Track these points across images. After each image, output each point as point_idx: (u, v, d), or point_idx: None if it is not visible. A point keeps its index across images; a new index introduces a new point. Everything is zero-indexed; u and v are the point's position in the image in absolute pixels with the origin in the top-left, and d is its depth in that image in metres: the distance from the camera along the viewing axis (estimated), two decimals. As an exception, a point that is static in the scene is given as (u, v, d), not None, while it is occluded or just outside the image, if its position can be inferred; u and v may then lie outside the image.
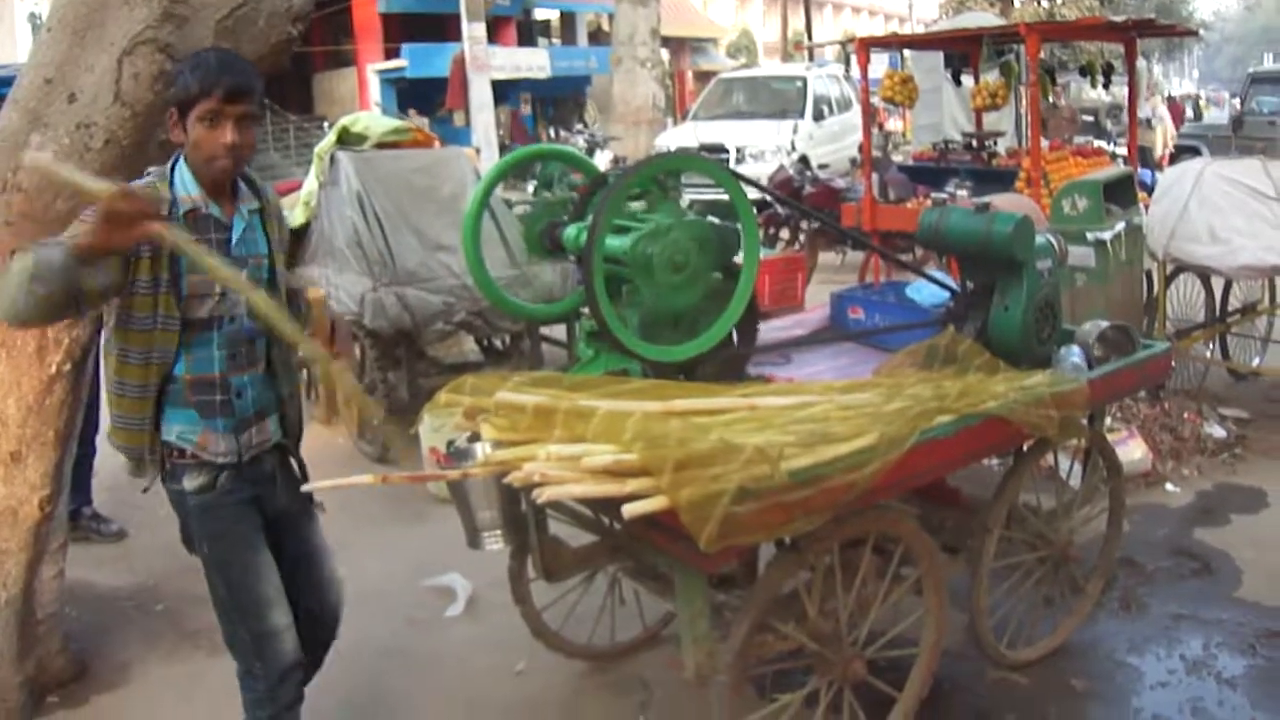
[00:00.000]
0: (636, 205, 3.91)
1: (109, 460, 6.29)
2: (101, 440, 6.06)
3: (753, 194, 4.20)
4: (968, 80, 10.77)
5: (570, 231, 3.91)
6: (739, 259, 3.82)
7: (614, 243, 3.58)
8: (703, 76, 35.75)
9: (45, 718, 4.39)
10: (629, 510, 2.78)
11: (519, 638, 4.52)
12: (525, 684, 4.49)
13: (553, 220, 4.05)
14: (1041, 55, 8.47)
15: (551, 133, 25.25)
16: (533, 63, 23.96)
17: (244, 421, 3.25)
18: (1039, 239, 4.11)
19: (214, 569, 3.28)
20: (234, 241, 3.18)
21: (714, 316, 3.73)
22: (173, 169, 3.13)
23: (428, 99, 21.11)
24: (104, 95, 3.83)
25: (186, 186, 3.10)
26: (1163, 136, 20.24)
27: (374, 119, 7.87)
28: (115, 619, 5.16)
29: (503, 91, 21.64)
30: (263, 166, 19.07)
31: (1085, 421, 4.21)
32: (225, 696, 4.41)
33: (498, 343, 7.66)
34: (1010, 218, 4.00)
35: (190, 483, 3.21)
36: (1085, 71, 10.45)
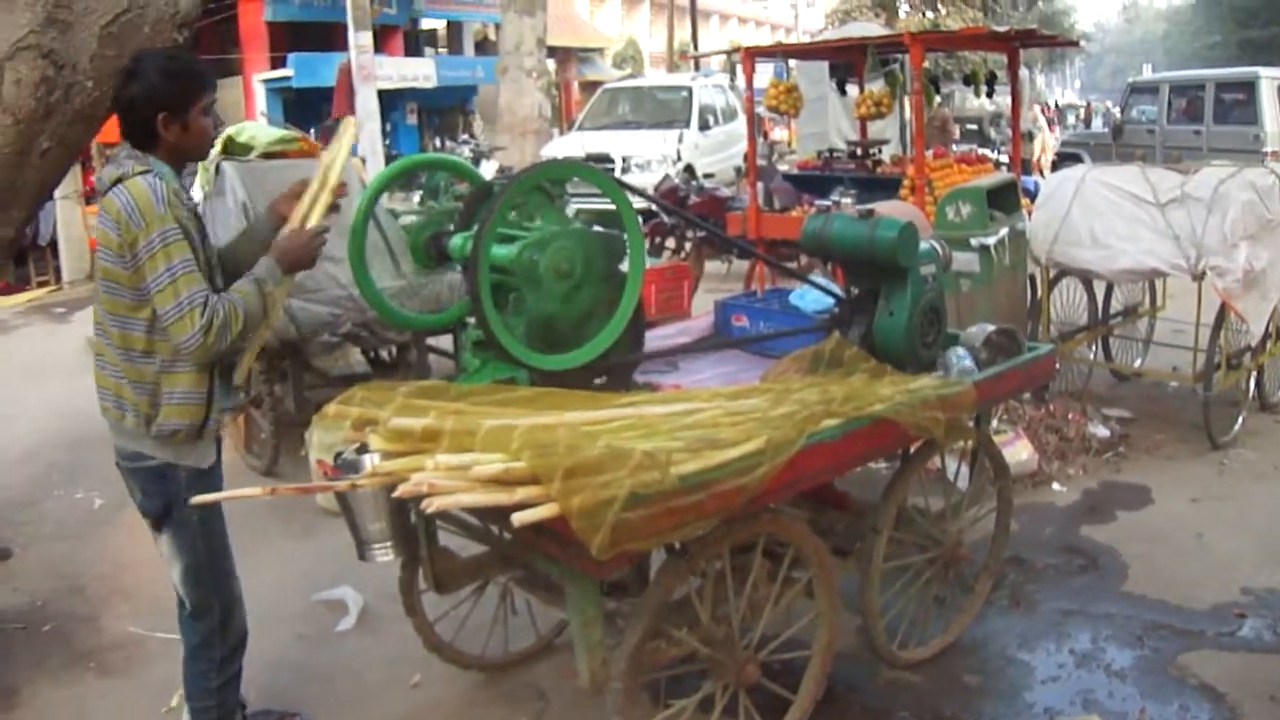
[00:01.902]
0: (521, 214, 3.89)
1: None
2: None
3: (639, 203, 4.21)
4: (853, 90, 10.89)
5: (456, 241, 3.88)
6: (624, 267, 3.82)
7: (499, 251, 3.56)
8: (589, 86, 35.70)
9: (-72, 747, 4.25)
10: (519, 518, 2.77)
11: (413, 650, 4.48)
12: (420, 696, 4.45)
13: (438, 230, 4.02)
14: (926, 65, 8.60)
15: (437, 143, 25.08)
16: (419, 72, 23.71)
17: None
18: (923, 245, 4.17)
19: (200, 537, 3.50)
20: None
21: (600, 325, 3.73)
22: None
23: (314, 109, 20.82)
24: None
25: (173, 181, 3.32)
26: (1041, 145, 20.71)
27: (259, 129, 7.76)
28: (1, 641, 5.02)
29: (389, 101, 21.43)
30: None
31: (972, 423, 4.28)
32: (116, 717, 4.37)
33: (384, 354, 7.58)
34: (894, 224, 4.05)
35: (203, 460, 3.45)
36: (969, 81, 10.62)
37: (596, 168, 3.76)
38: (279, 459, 6.80)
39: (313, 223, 3.54)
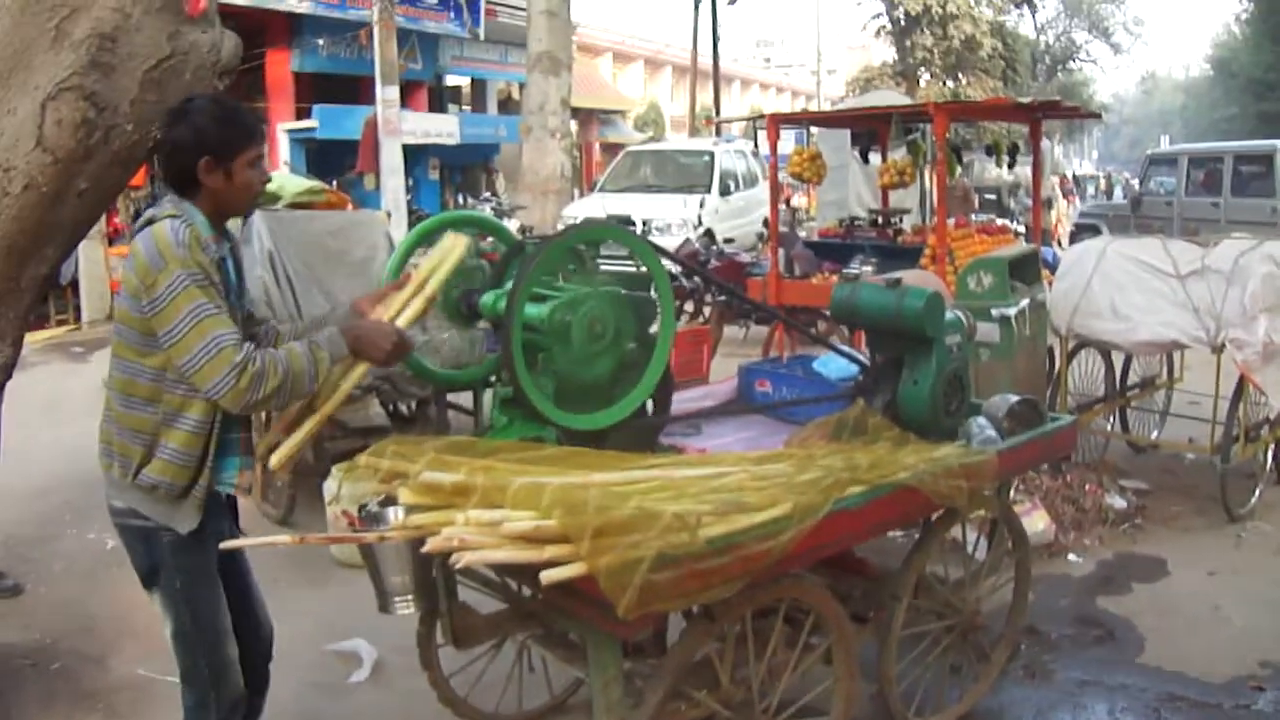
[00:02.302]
0: (552, 274, 3.93)
1: (7, 514, 6.18)
2: (0, 494, 5.94)
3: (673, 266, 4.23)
4: (875, 158, 10.95)
5: (488, 298, 3.91)
6: (653, 329, 3.85)
7: (531, 310, 3.59)
8: (610, 148, 35.98)
9: (-65, 786, 4.24)
10: (547, 577, 2.78)
11: (425, 704, 4.46)
12: (432, 752, 4.43)
13: (469, 287, 4.06)
14: (948, 134, 8.66)
15: (459, 199, 25.22)
16: (443, 129, 23.93)
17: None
18: (948, 315, 4.20)
19: (183, 602, 3.35)
20: (231, 279, 3.34)
21: (629, 385, 3.75)
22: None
23: (337, 160, 21.00)
24: (25, 140, 3.79)
25: (205, 229, 3.19)
26: (1058, 215, 20.77)
27: (288, 178, 7.85)
28: (10, 679, 5.03)
29: (412, 157, 21.58)
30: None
31: (992, 493, 4.28)
32: (123, 763, 4.35)
33: (404, 408, 7.60)
34: (922, 293, 4.08)
35: (184, 524, 3.27)
36: (991, 151, 10.69)
37: (631, 230, 3.79)
38: (294, 508, 6.81)
39: (400, 324, 3.47)
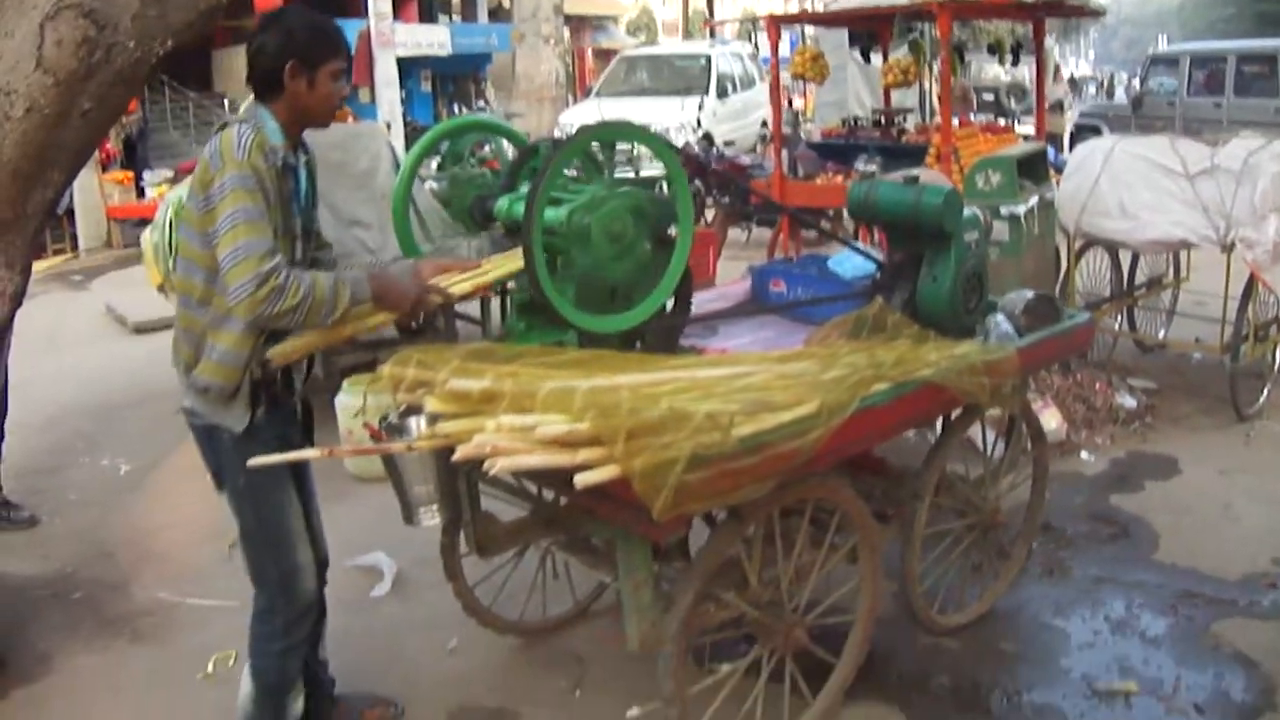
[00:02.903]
0: (566, 177, 3.88)
1: (14, 447, 6.16)
2: (9, 424, 5.93)
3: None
4: (876, 58, 10.83)
5: (502, 203, 3.87)
6: (672, 230, 3.81)
7: (548, 214, 3.54)
8: (602, 54, 35.60)
9: (-36, 715, 4.27)
10: (581, 480, 2.75)
11: (448, 615, 4.50)
12: (458, 661, 4.48)
13: (480, 193, 4.01)
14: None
15: (453, 109, 25.02)
16: (434, 39, 23.69)
17: None
18: (966, 211, 4.16)
19: (247, 501, 3.38)
20: (301, 191, 3.38)
21: (648, 287, 3.72)
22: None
23: (333, 75, 20.76)
24: (25, 62, 3.72)
25: (275, 136, 3.21)
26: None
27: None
28: (32, 609, 5.04)
29: (404, 69, 21.36)
30: (162, 145, 18.62)
31: (1013, 389, 4.27)
32: (151, 684, 4.41)
33: (411, 320, 7.55)
34: (940, 190, 4.04)
35: (237, 423, 3.27)
36: (994, 50, 10.56)
37: (649, 129, 3.73)
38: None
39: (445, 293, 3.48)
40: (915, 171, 4.45)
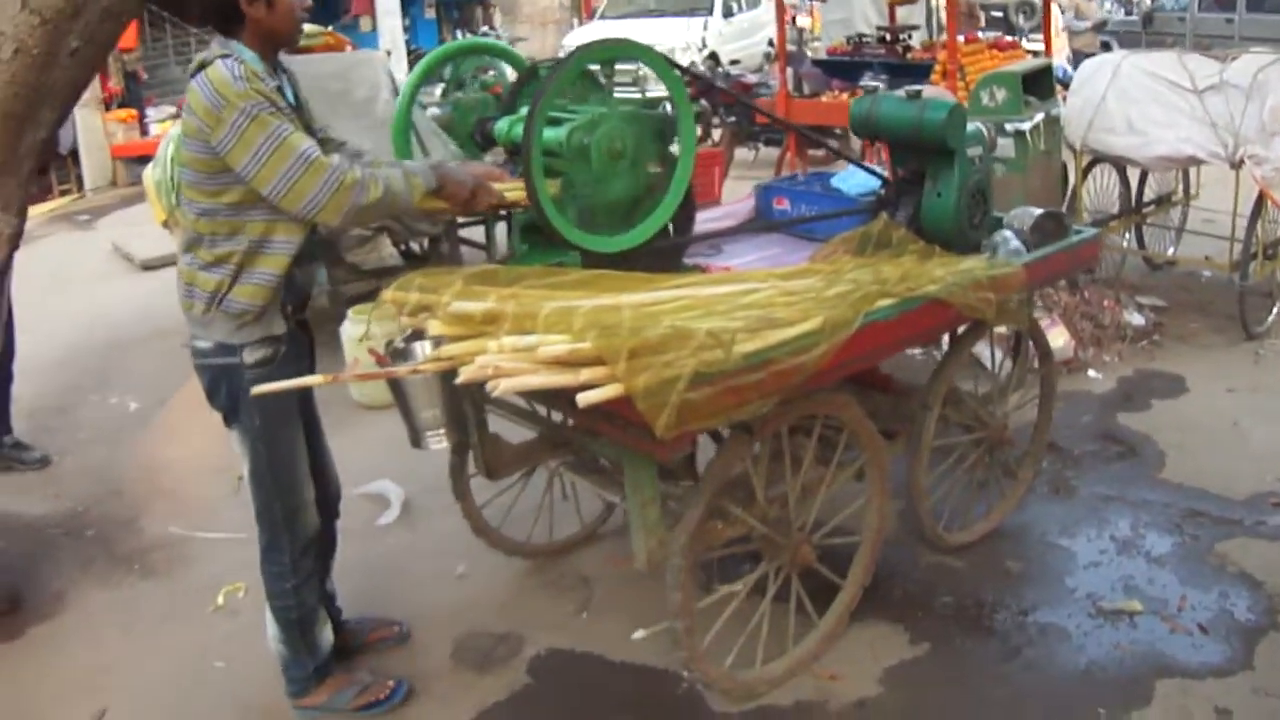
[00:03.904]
0: (567, 98, 3.84)
1: (22, 386, 6.17)
2: (19, 366, 5.94)
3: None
4: (884, -26, 10.70)
5: (502, 125, 3.83)
6: (673, 148, 3.77)
7: (549, 134, 3.51)
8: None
9: (-20, 653, 4.30)
10: (584, 399, 2.75)
11: (456, 542, 4.53)
12: (467, 587, 4.50)
13: (482, 116, 3.97)
14: (954, -53, 8.41)
15: (457, 35, 24.74)
16: (437, -35, 23.41)
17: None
18: (970, 126, 4.11)
19: (261, 441, 3.39)
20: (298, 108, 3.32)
21: (650, 206, 3.69)
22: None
23: (334, 6, 20.56)
24: (11, 3, 3.67)
25: (255, 64, 3.13)
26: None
27: (284, 24, 7.64)
28: (45, 548, 5.08)
29: (407, -5, 21.14)
30: (165, 81, 18.43)
31: (1020, 305, 4.25)
32: (163, 617, 4.44)
33: (416, 246, 7.54)
34: (943, 105, 4.00)
35: (252, 355, 3.29)
36: (997, -35, 10.45)
37: (647, 45, 3.67)
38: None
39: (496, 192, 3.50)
40: (919, 87, 4.40)
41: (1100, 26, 16.72)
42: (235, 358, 3.28)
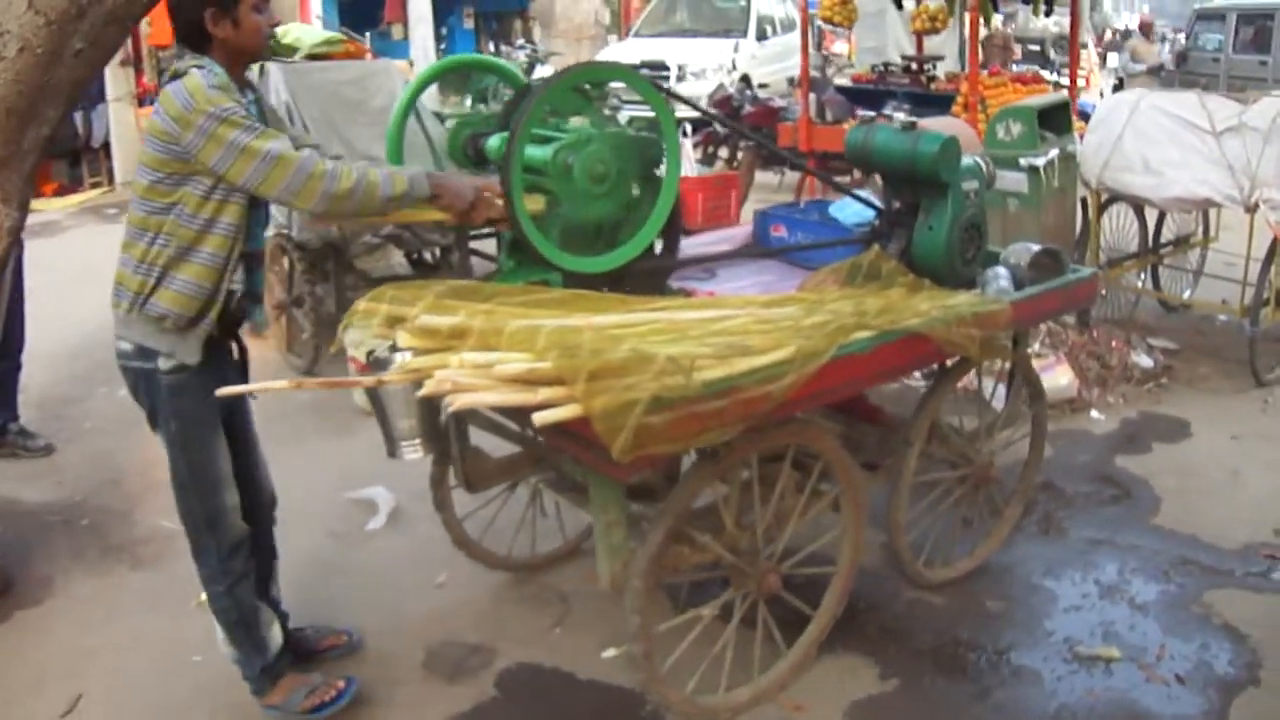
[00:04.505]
0: (561, 117, 3.86)
1: (35, 374, 6.24)
2: (28, 357, 6.00)
3: (694, 112, 4.12)
4: (909, 3, 10.71)
5: (493, 142, 3.85)
6: (660, 172, 3.78)
7: (535, 152, 3.53)
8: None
9: (-32, 634, 4.36)
10: (540, 418, 2.77)
11: (441, 551, 4.53)
12: (445, 596, 4.50)
13: (475, 131, 3.99)
14: (984, -21, 8.43)
15: (493, 47, 24.84)
16: (474, -25, 23.54)
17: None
18: (966, 160, 4.10)
19: (178, 447, 3.45)
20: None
21: (633, 229, 3.70)
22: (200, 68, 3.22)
23: (369, 13, 20.66)
24: (17, 2, 3.72)
25: (224, 78, 3.21)
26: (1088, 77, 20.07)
27: (305, 30, 7.73)
28: (41, 534, 5.13)
29: (445, 6, 21.22)
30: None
31: (1009, 343, 4.23)
32: (147, 608, 4.47)
33: (427, 255, 7.58)
34: (936, 137, 3.98)
35: (165, 362, 3.32)
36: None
37: (633, 70, 3.70)
38: (319, 359, 6.84)
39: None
40: (929, 120, 4.39)
41: (1157, 70, 16.57)
42: (152, 363, 3.33)
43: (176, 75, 3.17)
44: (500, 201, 3.50)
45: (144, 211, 3.25)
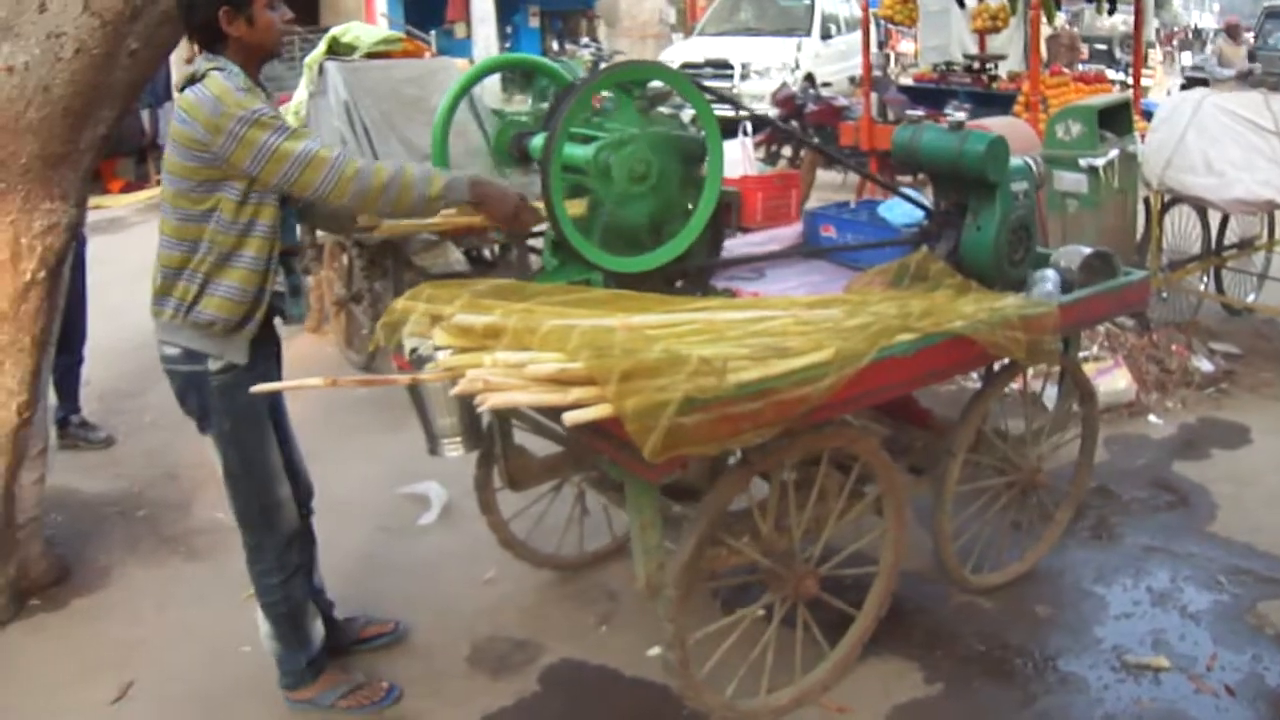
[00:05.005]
0: (605, 116, 3.85)
1: (99, 368, 6.34)
2: (92, 351, 6.11)
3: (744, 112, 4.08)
4: (972, 2, 10.61)
5: (536, 141, 3.85)
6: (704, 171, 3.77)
7: (577, 152, 3.53)
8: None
9: (26, 620, 4.45)
10: (570, 418, 2.77)
11: (491, 547, 4.54)
12: (493, 592, 4.53)
13: (520, 130, 4.00)
14: (1047, -23, 8.32)
15: (558, 46, 24.92)
16: (541, -26, 23.64)
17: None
18: (1015, 161, 4.05)
19: (232, 444, 3.49)
20: None
21: (675, 229, 3.69)
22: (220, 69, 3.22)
23: (435, 11, 20.80)
24: (73, 4, 3.80)
25: (242, 77, 3.22)
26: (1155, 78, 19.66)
27: (364, 29, 7.76)
28: (98, 524, 5.22)
29: (510, 4, 21.30)
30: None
31: (1059, 346, 4.17)
32: (199, 599, 4.55)
33: (485, 252, 7.60)
34: (984, 137, 3.93)
35: (214, 363, 3.37)
36: (1091, -2, 10.31)
37: (675, 69, 3.69)
38: (377, 354, 6.88)
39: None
40: (983, 120, 4.35)
41: (1246, 76, 16.13)
42: (202, 365, 3.36)
43: (194, 79, 3.17)
44: (538, 216, 3.52)
45: (178, 219, 3.27)
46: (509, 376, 2.82)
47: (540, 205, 3.55)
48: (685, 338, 3.10)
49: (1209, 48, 17.60)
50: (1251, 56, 17.11)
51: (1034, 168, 4.14)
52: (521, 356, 2.85)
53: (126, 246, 11.00)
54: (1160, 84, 17.80)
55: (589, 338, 2.90)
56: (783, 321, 3.36)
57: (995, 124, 5.53)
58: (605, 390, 2.74)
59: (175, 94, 3.25)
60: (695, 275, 3.95)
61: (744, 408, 2.92)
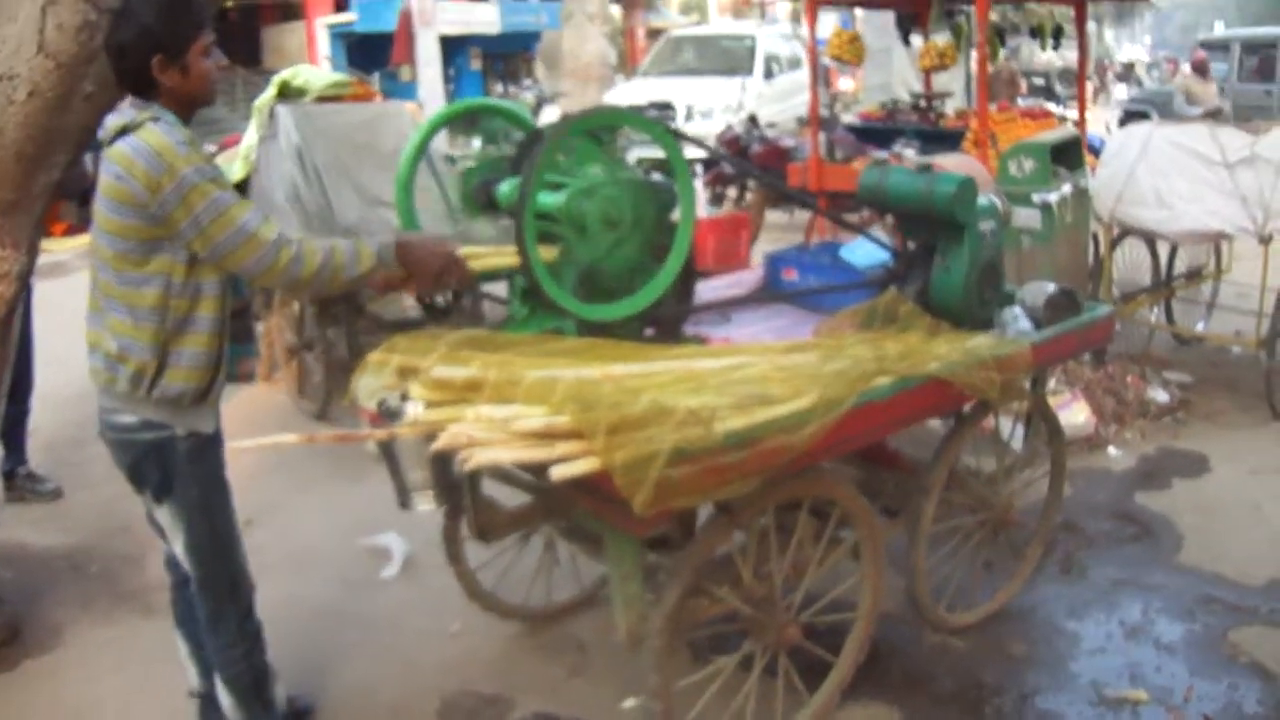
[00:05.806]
0: (572, 162, 3.81)
1: (45, 417, 6.21)
2: (37, 400, 5.97)
3: (702, 152, 4.07)
4: (917, 40, 10.71)
5: (505, 188, 3.80)
6: (674, 216, 3.74)
7: (548, 199, 3.49)
8: (655, 34, 35.44)
9: (-25, 682, 4.30)
10: (557, 473, 2.72)
11: (455, 599, 4.48)
12: (459, 645, 4.46)
13: (487, 176, 3.95)
14: (992, 17, 8.40)
15: (502, 88, 24.96)
16: (483, 18, 23.61)
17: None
18: (982, 200, 4.06)
19: (199, 511, 3.34)
20: None
21: (649, 275, 3.65)
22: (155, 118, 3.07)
23: (378, 54, 20.77)
24: (26, 46, 3.72)
25: (180, 128, 3.09)
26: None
27: (314, 72, 7.70)
28: (49, 580, 5.10)
29: (453, 47, 21.31)
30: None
31: (1027, 384, 4.18)
32: (157, 658, 4.42)
33: (439, 300, 7.54)
34: (953, 178, 3.94)
35: (182, 429, 3.22)
36: (1035, 33, 10.43)
37: (645, 115, 3.67)
38: (331, 404, 6.80)
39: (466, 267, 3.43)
40: (940, 157, 4.35)
41: (1214, 114, 16.18)
42: (168, 431, 3.20)
43: (126, 130, 3.01)
44: (461, 272, 3.40)
45: (123, 284, 3.08)
46: (493, 432, 2.76)
47: (480, 255, 3.48)
48: (668, 387, 3.06)
49: (1147, 80, 17.91)
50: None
51: (1000, 207, 4.15)
52: (506, 411, 2.80)
53: (70, 291, 10.81)
54: (1095, 118, 18.03)
55: (574, 390, 2.86)
56: (760, 368, 3.34)
57: (948, 162, 5.52)
58: (593, 444, 2.70)
59: (105, 147, 3.07)
60: (667, 322, 3.92)
61: (730, 458, 2.89)
